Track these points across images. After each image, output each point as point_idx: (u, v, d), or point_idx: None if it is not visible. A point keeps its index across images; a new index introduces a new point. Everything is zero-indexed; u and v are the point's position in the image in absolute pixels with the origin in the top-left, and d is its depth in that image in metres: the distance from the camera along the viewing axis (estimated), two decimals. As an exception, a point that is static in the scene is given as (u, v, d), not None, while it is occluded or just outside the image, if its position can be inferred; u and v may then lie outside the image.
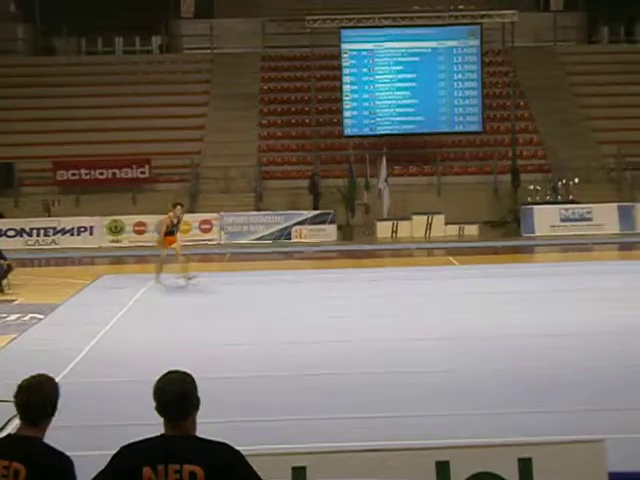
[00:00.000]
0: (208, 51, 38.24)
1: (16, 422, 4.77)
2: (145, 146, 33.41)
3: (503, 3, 34.88)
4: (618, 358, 12.67)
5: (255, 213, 30.85)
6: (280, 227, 30.17)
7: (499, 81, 35.83)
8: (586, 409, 10.23)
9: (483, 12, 33.57)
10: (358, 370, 12.25)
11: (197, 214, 30.72)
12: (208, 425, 4.97)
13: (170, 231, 20.64)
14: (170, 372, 4.57)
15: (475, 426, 9.53)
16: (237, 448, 4.50)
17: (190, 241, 27.30)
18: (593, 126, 34.26)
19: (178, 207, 20.83)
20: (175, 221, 20.77)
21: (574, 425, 9.37)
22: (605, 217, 29.87)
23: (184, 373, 4.57)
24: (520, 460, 6.67)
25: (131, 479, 4.38)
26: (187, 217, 25.10)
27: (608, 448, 6.57)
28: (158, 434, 4.48)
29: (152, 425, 4.66)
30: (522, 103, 34.87)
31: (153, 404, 4.47)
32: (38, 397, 4.59)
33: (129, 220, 30.06)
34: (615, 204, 30.25)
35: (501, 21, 34.03)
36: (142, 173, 32.30)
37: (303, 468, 6.15)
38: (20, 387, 4.63)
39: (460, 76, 33.22)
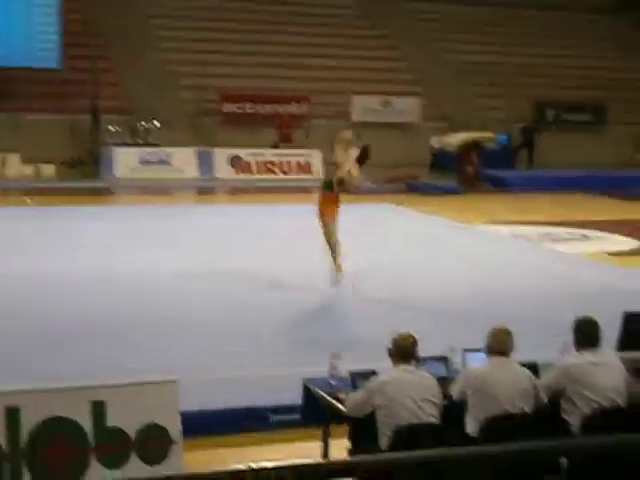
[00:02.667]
0: None
1: None
2: None
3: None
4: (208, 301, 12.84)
5: None
6: None
7: (81, 18, 34.98)
8: (163, 350, 10.24)
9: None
10: None
11: None
12: None
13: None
14: None
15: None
16: None
17: None
18: (174, 70, 34.47)
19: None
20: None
21: (151, 365, 9.32)
22: (184, 162, 30.24)
23: None
24: (93, 403, 6.51)
25: None
26: None
27: (181, 388, 6.56)
28: None
29: None
30: (102, 42, 34.33)
31: None
32: None
33: None
34: (194, 149, 30.69)
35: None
36: None
37: None
38: None
39: (39, 10, 32.02)
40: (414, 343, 6.85)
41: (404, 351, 6.78)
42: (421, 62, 37.51)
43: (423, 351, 6.97)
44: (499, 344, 6.91)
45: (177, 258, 15.60)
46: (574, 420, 6.89)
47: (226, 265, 15.04)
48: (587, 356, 7.03)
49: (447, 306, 12.71)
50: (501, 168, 30.81)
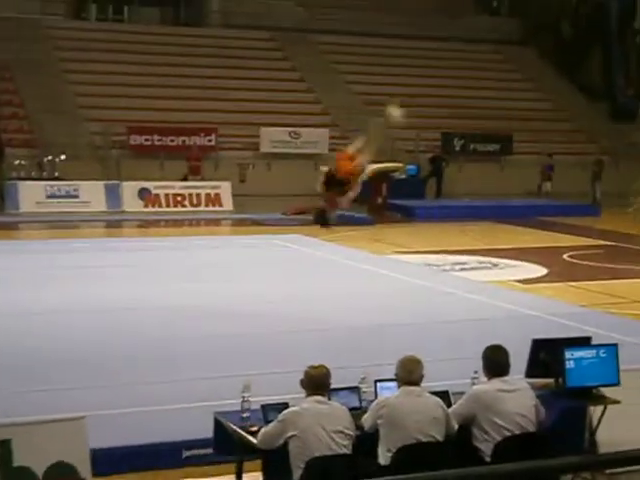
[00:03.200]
0: None
1: None
2: None
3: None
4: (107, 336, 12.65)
5: None
6: None
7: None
8: (70, 387, 10.06)
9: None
10: None
11: None
12: None
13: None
14: None
15: None
16: None
17: None
18: (80, 103, 34.15)
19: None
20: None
21: (59, 403, 9.14)
22: (92, 195, 29.83)
23: None
24: (0, 442, 6.36)
25: None
26: None
27: (90, 425, 6.45)
28: None
29: None
30: (7, 76, 33.89)
31: None
32: None
33: None
34: (102, 182, 30.31)
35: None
36: None
37: None
38: None
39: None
40: (327, 374, 6.84)
41: (317, 382, 6.77)
42: (329, 94, 37.77)
43: (334, 381, 6.96)
44: (409, 374, 6.93)
45: (83, 293, 15.37)
46: (485, 447, 6.93)
47: (135, 299, 14.87)
48: (496, 383, 7.09)
49: (355, 335, 12.72)
50: (410, 198, 31.10)
